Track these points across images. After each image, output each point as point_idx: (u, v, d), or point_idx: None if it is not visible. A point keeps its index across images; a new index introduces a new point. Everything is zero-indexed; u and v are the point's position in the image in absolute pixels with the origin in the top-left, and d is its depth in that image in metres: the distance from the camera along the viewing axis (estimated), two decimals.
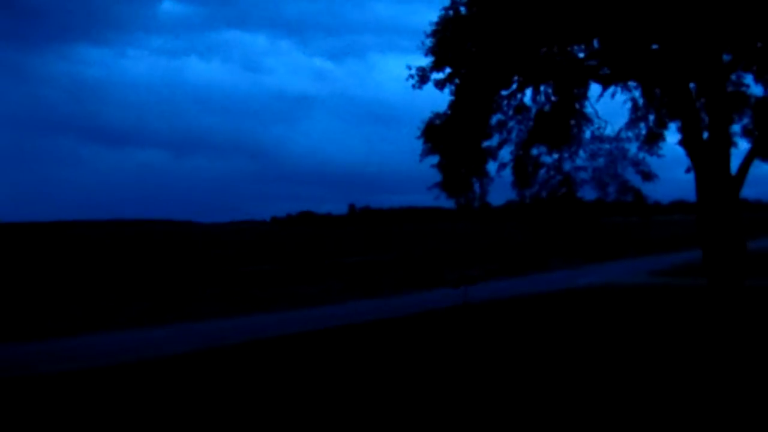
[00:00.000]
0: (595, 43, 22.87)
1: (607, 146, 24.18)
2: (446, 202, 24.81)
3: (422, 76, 22.86)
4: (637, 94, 23.94)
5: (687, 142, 21.91)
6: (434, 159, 23.61)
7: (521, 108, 24.19)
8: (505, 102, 23.84)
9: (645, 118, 24.10)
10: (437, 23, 22.47)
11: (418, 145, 23.57)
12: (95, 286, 38.98)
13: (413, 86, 22.94)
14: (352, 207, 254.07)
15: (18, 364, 18.38)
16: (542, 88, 24.13)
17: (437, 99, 23.30)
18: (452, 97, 22.83)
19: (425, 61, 22.86)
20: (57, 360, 18.72)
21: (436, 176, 23.82)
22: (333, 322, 24.15)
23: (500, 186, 24.41)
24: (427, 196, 24.14)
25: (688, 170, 22.47)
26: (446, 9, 22.39)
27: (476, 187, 24.27)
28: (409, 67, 22.91)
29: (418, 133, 23.51)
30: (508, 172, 24.26)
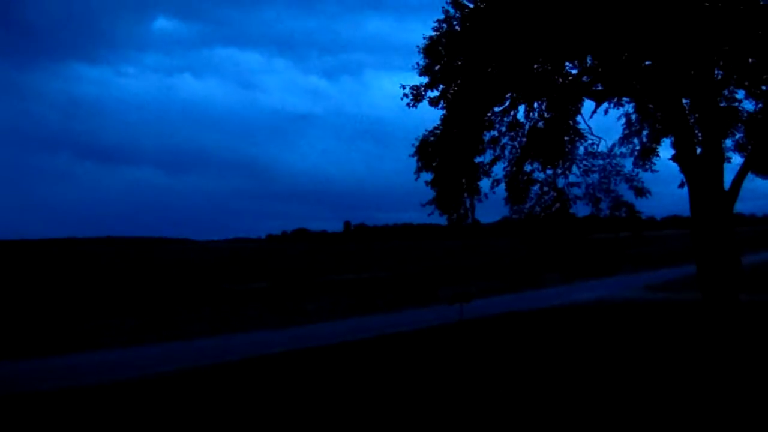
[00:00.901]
0: (589, 60, 22.95)
1: (600, 162, 24.28)
2: (441, 219, 24.86)
3: (416, 95, 22.92)
4: (630, 109, 24.06)
5: (680, 157, 21.98)
6: (428, 176, 23.66)
7: (515, 124, 24.26)
8: (498, 118, 23.91)
9: (638, 134, 24.23)
10: (430, 38, 22.54)
11: (413, 163, 23.64)
12: (87, 303, 38.78)
13: (408, 105, 23.01)
14: (347, 224, 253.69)
15: (8, 381, 18.27)
16: (536, 104, 24.20)
17: (432, 117, 23.41)
18: (444, 112, 22.87)
19: (419, 80, 22.93)
20: (46, 378, 18.61)
21: (430, 193, 23.87)
22: (327, 339, 24.06)
23: (494, 202, 24.44)
24: (422, 214, 24.21)
25: (681, 185, 22.56)
26: (440, 22, 22.44)
27: (468, 203, 24.33)
28: (404, 86, 22.99)
29: (413, 150, 23.58)
30: (501, 189, 24.31)
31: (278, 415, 12.92)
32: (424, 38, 22.71)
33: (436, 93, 23.00)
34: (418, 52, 22.80)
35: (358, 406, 13.22)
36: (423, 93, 23.01)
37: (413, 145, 23.57)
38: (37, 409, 14.52)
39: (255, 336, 26.75)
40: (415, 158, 23.56)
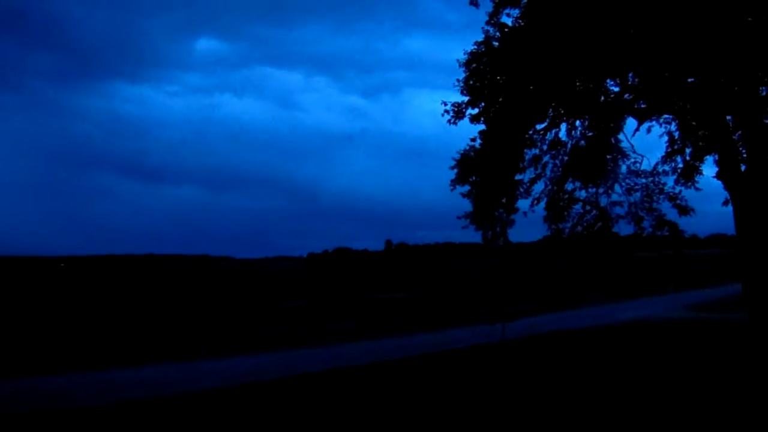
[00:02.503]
0: (631, 77, 22.77)
1: (643, 180, 24.00)
2: (479, 237, 24.77)
3: (458, 112, 22.91)
4: (673, 127, 23.78)
5: (724, 174, 21.69)
6: (464, 188, 23.65)
7: (556, 143, 24.12)
8: (540, 136, 23.81)
9: (681, 152, 23.90)
10: (471, 54, 22.54)
11: (452, 176, 23.66)
12: (131, 320, 39.15)
13: (449, 121, 23.03)
14: (388, 243, 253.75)
15: (56, 396, 18.41)
16: (578, 122, 24.06)
17: (472, 134, 23.35)
18: (485, 128, 22.84)
19: (460, 97, 22.93)
20: (93, 393, 18.75)
21: (467, 205, 23.85)
22: (367, 358, 24.00)
23: (534, 221, 24.28)
24: (463, 233, 24.11)
25: (726, 203, 22.25)
26: (479, 44, 22.46)
27: (502, 222, 24.25)
28: (445, 103, 23.02)
29: (451, 170, 23.56)
30: (540, 207, 24.17)
31: None
32: (464, 54, 22.73)
33: (477, 110, 22.98)
34: (459, 66, 22.83)
35: (397, 427, 13.16)
36: (464, 110, 23.00)
37: (454, 158, 23.56)
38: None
39: (291, 355, 26.75)
40: (455, 171, 23.54)
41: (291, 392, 17.94)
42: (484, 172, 23.26)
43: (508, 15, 22.48)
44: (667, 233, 23.71)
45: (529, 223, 24.55)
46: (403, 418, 13.89)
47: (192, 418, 15.04)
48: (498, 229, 24.32)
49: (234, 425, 14.16)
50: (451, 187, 23.69)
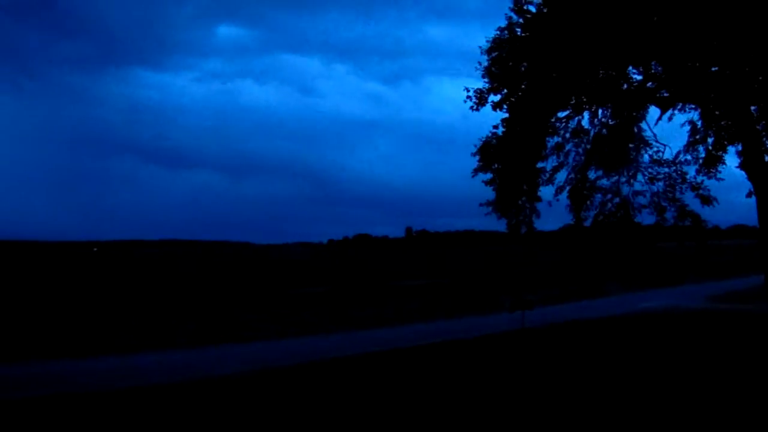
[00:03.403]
0: (654, 66, 22.64)
1: (665, 170, 23.86)
2: (502, 226, 24.78)
3: (480, 98, 22.89)
4: (696, 116, 23.60)
5: (747, 165, 21.55)
6: (486, 176, 23.67)
7: (579, 131, 24.05)
8: (563, 124, 23.75)
9: (704, 141, 23.72)
10: (493, 40, 22.52)
11: (474, 163, 23.68)
12: (150, 305, 39.41)
13: (471, 108, 23.01)
14: (408, 230, 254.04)
15: (69, 380, 18.59)
16: (600, 111, 23.97)
17: (493, 121, 23.34)
18: (507, 115, 22.83)
19: (481, 84, 22.91)
20: (107, 377, 18.93)
21: (490, 192, 23.86)
22: (388, 345, 24.08)
23: (556, 210, 24.24)
24: (484, 220, 24.15)
25: (749, 194, 22.09)
26: (501, 30, 22.43)
27: (527, 210, 24.24)
28: (467, 89, 23.00)
29: (473, 156, 23.57)
30: (563, 196, 24.12)
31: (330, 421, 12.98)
32: (487, 41, 22.71)
33: (499, 97, 22.97)
34: (481, 53, 22.82)
35: (418, 412, 13.24)
36: (486, 97, 22.99)
37: (475, 145, 23.59)
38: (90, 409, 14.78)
39: (313, 341, 26.83)
40: (476, 158, 23.58)
41: (314, 378, 18.05)
42: (506, 160, 23.26)
43: (531, 2, 22.44)
44: (689, 224, 23.60)
45: (550, 212, 24.54)
46: (423, 405, 13.97)
47: (203, 404, 15.17)
48: (521, 216, 24.32)
49: (256, 410, 14.29)
50: (473, 175, 23.74)
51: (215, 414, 13.80)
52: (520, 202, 24.14)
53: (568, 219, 24.96)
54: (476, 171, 23.60)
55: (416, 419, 12.73)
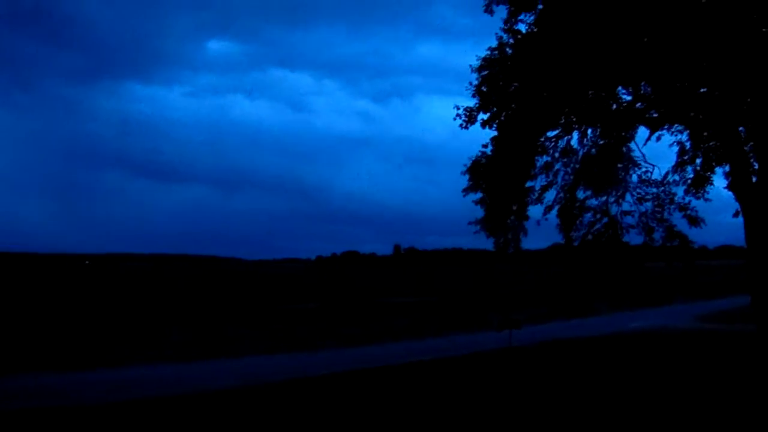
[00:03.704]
0: (643, 87, 22.80)
1: (654, 190, 24.00)
2: (490, 244, 24.87)
3: (470, 116, 22.99)
4: (684, 137, 23.75)
5: (735, 186, 21.68)
6: (476, 195, 23.78)
7: (568, 151, 24.17)
8: (552, 144, 23.87)
9: (692, 162, 23.86)
10: (484, 59, 22.64)
11: (463, 183, 23.77)
12: (140, 319, 39.30)
13: (461, 126, 23.11)
14: (397, 247, 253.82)
15: (60, 393, 18.52)
16: (589, 131, 24.11)
17: (483, 140, 23.45)
18: (497, 134, 22.95)
19: (472, 102, 23.02)
20: (97, 390, 18.86)
21: (479, 211, 23.96)
22: (376, 362, 24.05)
23: (544, 229, 24.33)
24: (472, 238, 24.18)
25: (736, 214, 22.23)
26: (492, 49, 22.56)
27: (515, 229, 24.33)
28: (457, 107, 23.10)
29: (462, 175, 23.67)
30: (552, 215, 24.22)
31: None
32: (477, 60, 22.82)
33: (488, 115, 23.08)
34: (472, 71, 22.93)
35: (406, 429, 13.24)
36: (476, 115, 23.09)
37: (465, 165, 23.69)
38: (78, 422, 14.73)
39: (302, 357, 26.79)
40: (466, 177, 23.68)
41: (299, 394, 18.02)
42: (495, 179, 23.34)
43: (522, 21, 22.57)
44: (677, 244, 23.70)
45: (538, 231, 24.62)
46: (409, 422, 13.97)
47: (195, 418, 15.14)
48: (510, 235, 24.42)
49: (240, 426, 14.27)
50: (464, 194, 23.83)
51: (203, 429, 13.77)
52: (508, 221, 24.24)
53: (556, 238, 25.08)
54: (467, 190, 23.71)
55: None
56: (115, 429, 14.10)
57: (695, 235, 23.74)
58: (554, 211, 24.30)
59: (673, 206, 23.66)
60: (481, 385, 18.68)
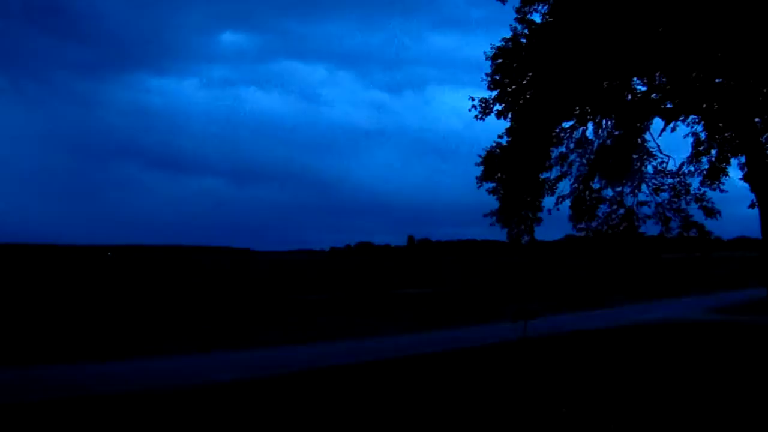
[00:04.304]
0: (658, 77, 22.69)
1: (669, 181, 23.88)
2: (504, 236, 24.82)
3: (485, 107, 22.96)
4: (699, 128, 23.64)
5: (751, 177, 21.57)
6: (491, 186, 23.74)
7: (583, 141, 24.08)
8: (566, 135, 23.79)
9: (707, 153, 23.75)
10: (498, 49, 22.59)
11: (477, 174, 23.76)
12: (152, 310, 39.41)
13: (476, 117, 23.09)
14: (410, 239, 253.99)
15: (74, 384, 18.59)
16: (605, 121, 24.01)
17: (497, 131, 23.41)
18: (511, 124, 22.91)
19: (487, 93, 22.99)
20: (113, 382, 18.93)
21: (493, 203, 23.92)
22: (389, 353, 24.04)
23: (558, 220, 24.27)
24: (486, 230, 24.16)
25: (752, 206, 22.12)
26: (506, 40, 22.50)
27: (530, 218, 24.28)
28: (472, 98, 23.07)
29: (477, 166, 23.64)
30: (565, 206, 24.15)
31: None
32: (492, 48, 22.76)
33: (503, 106, 23.04)
34: (486, 59, 22.88)
35: (419, 420, 13.23)
36: (491, 106, 23.06)
37: (480, 155, 23.66)
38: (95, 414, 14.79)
39: (314, 348, 26.77)
40: (481, 168, 23.66)
41: (314, 385, 18.03)
42: (509, 170, 23.30)
43: (536, 11, 22.50)
44: (694, 234, 23.58)
45: (552, 222, 24.56)
46: (423, 415, 13.96)
47: (212, 409, 15.18)
48: (524, 226, 24.36)
49: (253, 418, 14.29)
50: (478, 185, 23.81)
51: (211, 420, 13.80)
52: (522, 212, 24.18)
53: (570, 229, 24.98)
54: (481, 181, 23.67)
55: (417, 427, 12.74)
56: (128, 420, 14.14)
57: (711, 226, 23.64)
58: (567, 202, 24.25)
59: (689, 197, 23.57)
60: (497, 376, 18.65)
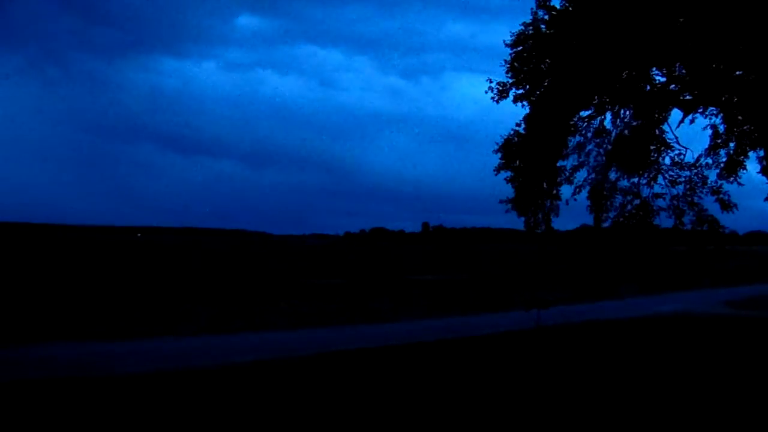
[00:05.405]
0: (678, 68, 22.60)
1: (686, 173, 23.83)
2: (519, 224, 24.85)
3: (502, 91, 22.96)
4: (718, 120, 23.53)
5: None
6: (508, 174, 23.76)
7: (601, 131, 24.04)
8: (585, 124, 23.75)
9: (726, 145, 23.64)
10: (517, 35, 22.56)
11: (493, 163, 23.75)
12: (166, 291, 39.58)
13: (493, 99, 23.09)
14: (425, 225, 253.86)
15: (91, 364, 18.78)
16: (622, 111, 23.95)
17: (514, 119, 23.41)
18: (529, 112, 22.89)
19: (505, 79, 23.02)
20: (127, 361, 19.11)
21: (510, 191, 23.94)
22: (403, 339, 24.14)
23: (573, 209, 24.26)
24: (501, 217, 24.25)
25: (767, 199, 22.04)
26: (526, 25, 22.45)
27: (545, 208, 24.26)
28: (490, 80, 23.08)
29: (492, 153, 23.65)
30: (582, 196, 24.13)
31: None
32: (511, 35, 22.75)
33: (521, 91, 23.08)
34: (505, 45, 22.87)
35: (430, 408, 13.33)
36: (508, 89, 23.09)
37: (497, 143, 23.68)
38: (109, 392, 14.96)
39: (326, 332, 26.89)
40: (497, 155, 23.69)
41: (325, 370, 18.15)
42: (527, 158, 23.31)
43: None
44: (707, 228, 23.54)
45: (567, 212, 24.55)
46: (435, 401, 14.05)
47: (224, 389, 15.33)
48: (540, 215, 24.37)
49: (265, 399, 14.43)
50: (496, 172, 23.83)
51: (222, 402, 13.94)
52: (539, 200, 24.19)
53: (585, 219, 25.00)
54: (498, 168, 23.70)
55: (428, 415, 12.83)
56: (131, 401, 14.31)
57: (726, 220, 23.57)
58: (584, 192, 24.24)
59: (705, 190, 23.50)
60: (509, 364, 18.73)
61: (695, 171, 23.70)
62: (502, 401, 13.85)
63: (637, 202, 24.24)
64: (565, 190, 24.23)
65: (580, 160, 24.09)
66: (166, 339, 23.77)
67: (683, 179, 23.78)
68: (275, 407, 13.45)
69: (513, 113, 23.22)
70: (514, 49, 22.77)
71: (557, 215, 24.55)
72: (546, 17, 22.45)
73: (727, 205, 23.02)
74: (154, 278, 49.73)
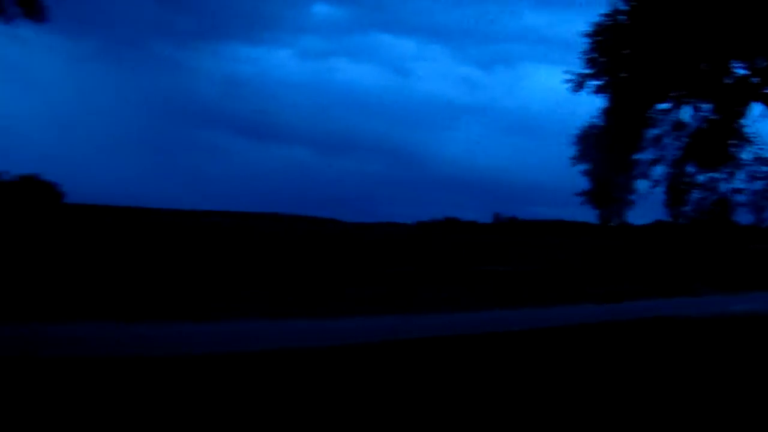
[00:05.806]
0: (759, 61, 22.17)
1: (766, 169, 23.39)
2: (593, 217, 24.68)
3: (580, 82, 22.80)
4: None
5: None
6: (584, 166, 23.61)
7: (679, 125, 23.72)
8: (662, 117, 23.46)
9: None
10: (596, 25, 22.37)
11: (566, 157, 23.62)
12: (240, 275, 40.04)
13: (570, 89, 22.94)
14: (497, 216, 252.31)
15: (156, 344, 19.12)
16: (701, 105, 23.60)
17: (589, 112, 23.22)
18: (607, 105, 22.70)
19: (581, 68, 22.87)
20: (187, 343, 19.42)
21: (582, 185, 23.80)
22: (476, 328, 24.08)
23: (649, 204, 23.98)
24: (574, 210, 24.13)
25: None
26: (604, 15, 22.25)
27: (622, 200, 24.05)
28: (568, 71, 22.91)
29: (566, 145, 23.54)
30: (658, 190, 23.85)
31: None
32: (589, 26, 22.56)
33: (599, 82, 22.88)
34: (583, 36, 22.69)
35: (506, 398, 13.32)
36: (585, 80, 22.91)
37: (575, 135, 23.55)
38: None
39: (396, 320, 26.92)
40: (572, 147, 23.56)
41: (398, 357, 18.22)
42: (603, 150, 23.11)
43: None
44: None
45: (642, 206, 24.27)
46: (514, 390, 14.05)
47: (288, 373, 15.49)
48: (615, 208, 24.16)
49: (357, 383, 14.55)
50: (573, 164, 23.70)
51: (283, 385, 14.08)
52: (614, 194, 23.98)
53: (659, 214, 24.66)
54: (575, 160, 23.55)
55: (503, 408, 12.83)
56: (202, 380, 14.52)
57: None
58: (661, 187, 23.94)
59: None
60: (582, 358, 18.62)
61: None
62: (572, 394, 13.78)
63: (714, 197, 23.86)
64: (642, 184, 23.98)
65: (657, 153, 23.81)
66: (237, 321, 24.08)
67: (763, 175, 23.33)
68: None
69: (590, 105, 23.03)
70: (592, 40, 22.58)
71: (631, 208, 24.31)
72: (624, 8, 22.20)
73: None
74: (227, 263, 50.31)
